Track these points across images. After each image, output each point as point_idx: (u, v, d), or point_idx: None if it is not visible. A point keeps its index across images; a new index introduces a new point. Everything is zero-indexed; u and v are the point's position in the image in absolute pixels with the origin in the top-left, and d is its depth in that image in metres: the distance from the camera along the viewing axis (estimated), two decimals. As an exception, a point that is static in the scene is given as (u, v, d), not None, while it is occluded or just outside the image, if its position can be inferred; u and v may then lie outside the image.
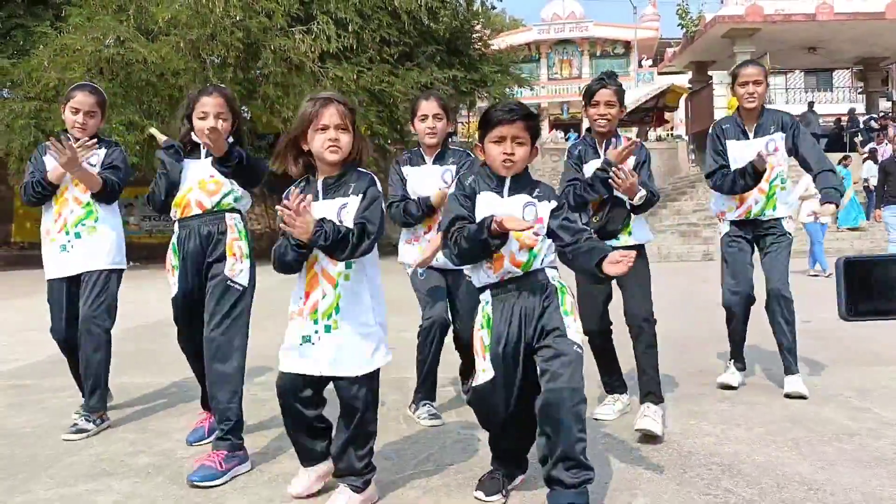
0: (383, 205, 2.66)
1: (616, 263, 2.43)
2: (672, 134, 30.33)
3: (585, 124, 28.09)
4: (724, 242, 4.39)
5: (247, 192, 3.42)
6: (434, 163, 3.83)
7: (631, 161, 3.57)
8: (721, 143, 4.31)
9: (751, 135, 4.25)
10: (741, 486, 2.79)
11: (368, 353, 2.61)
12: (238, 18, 14.35)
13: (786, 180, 4.30)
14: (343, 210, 2.57)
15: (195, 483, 2.87)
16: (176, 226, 3.36)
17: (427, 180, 3.77)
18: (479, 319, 2.68)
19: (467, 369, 3.93)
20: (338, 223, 2.49)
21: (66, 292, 3.76)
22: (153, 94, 14.86)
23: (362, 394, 2.59)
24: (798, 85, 33.91)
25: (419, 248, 3.78)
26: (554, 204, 2.64)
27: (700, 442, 3.35)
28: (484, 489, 2.70)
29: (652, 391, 3.49)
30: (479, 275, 2.65)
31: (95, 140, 3.72)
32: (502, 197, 2.61)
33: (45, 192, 3.71)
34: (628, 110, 20.21)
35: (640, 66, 36.97)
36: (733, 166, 4.22)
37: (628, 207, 3.60)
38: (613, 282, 3.45)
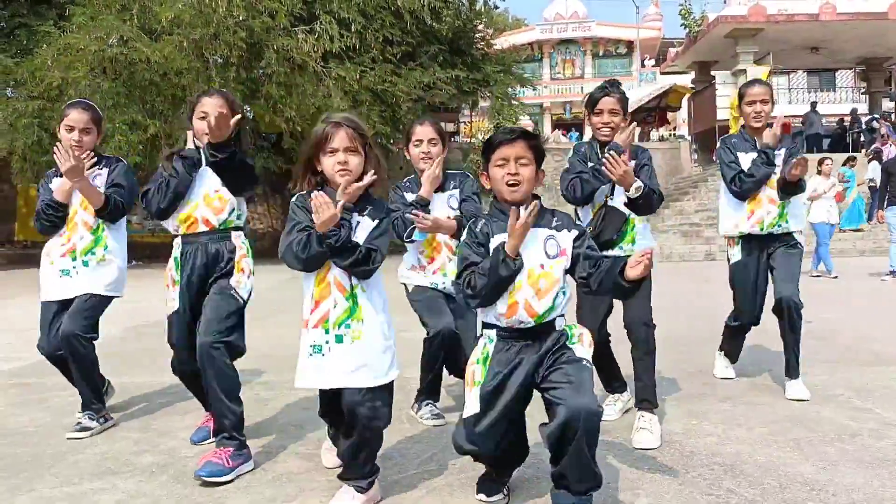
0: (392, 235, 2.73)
1: (637, 265, 2.40)
2: (674, 134, 30.31)
3: (588, 123, 28.07)
4: (734, 270, 4.40)
5: (244, 204, 3.41)
6: (435, 190, 3.76)
7: (631, 163, 3.53)
8: (733, 154, 4.32)
9: (759, 146, 4.27)
10: (743, 487, 2.79)
11: (386, 365, 2.63)
12: (241, 18, 14.38)
13: (795, 199, 4.32)
14: (358, 226, 2.62)
15: (203, 478, 2.88)
16: (179, 240, 3.32)
17: (433, 210, 3.69)
18: (476, 352, 2.61)
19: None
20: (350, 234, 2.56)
21: (59, 313, 3.71)
22: (156, 94, 14.90)
23: (378, 405, 2.58)
24: (801, 85, 33.91)
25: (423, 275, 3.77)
26: (575, 233, 2.59)
27: (702, 442, 3.35)
28: (485, 490, 2.70)
29: (647, 398, 3.49)
30: (489, 315, 2.58)
31: (94, 157, 3.70)
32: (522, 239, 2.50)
33: (58, 213, 3.68)
34: (631, 110, 20.25)
35: (642, 65, 36.97)
36: None
37: (627, 212, 3.54)
38: (616, 303, 3.50)
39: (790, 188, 4.16)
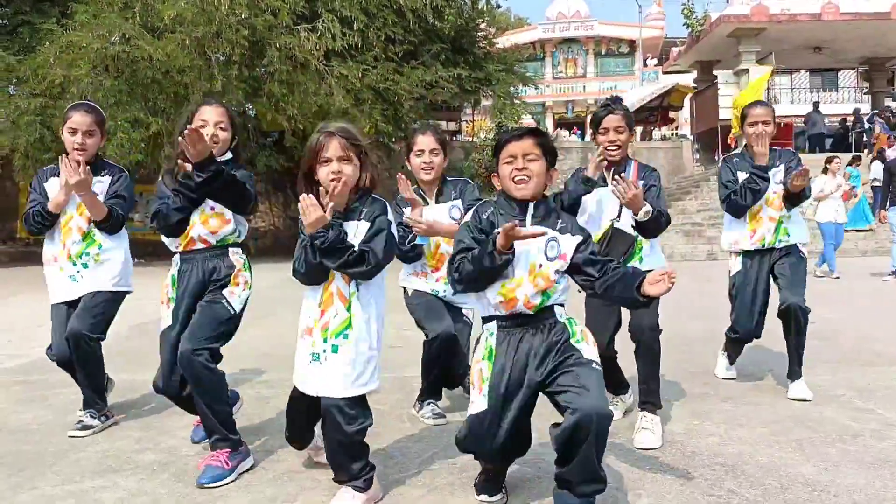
0: (394, 230, 2.69)
1: (657, 283, 2.40)
2: (677, 133, 30.26)
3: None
4: (734, 282, 4.39)
5: (243, 220, 3.34)
6: (437, 201, 3.75)
7: (640, 183, 3.47)
8: (734, 174, 4.32)
9: None
10: (745, 487, 2.79)
11: (367, 375, 2.63)
12: (243, 16, 14.37)
13: (796, 214, 4.33)
14: (357, 230, 2.63)
15: (205, 485, 2.86)
16: (177, 258, 3.28)
17: (434, 214, 3.67)
18: (480, 350, 2.62)
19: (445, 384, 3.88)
20: (348, 240, 2.56)
21: (70, 314, 3.70)
22: (158, 92, 14.89)
23: (353, 412, 2.58)
24: (803, 85, 33.85)
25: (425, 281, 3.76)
26: (579, 238, 2.58)
27: (704, 442, 3.35)
28: (486, 491, 2.70)
29: (650, 400, 3.48)
30: (486, 304, 2.59)
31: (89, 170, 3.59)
32: (525, 227, 2.53)
33: (46, 221, 3.66)
34: (633, 109, 19.99)
35: (644, 65, 36.92)
36: None
37: (634, 234, 3.49)
38: (623, 309, 3.43)
39: (794, 199, 4.17)
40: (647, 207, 3.33)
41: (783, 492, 2.74)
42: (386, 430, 3.57)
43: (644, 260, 3.57)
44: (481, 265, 2.45)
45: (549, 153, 2.59)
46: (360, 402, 2.63)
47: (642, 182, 3.49)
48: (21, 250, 19.14)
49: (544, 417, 2.70)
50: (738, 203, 4.25)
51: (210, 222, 3.20)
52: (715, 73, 23.48)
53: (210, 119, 3.19)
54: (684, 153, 23.85)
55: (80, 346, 3.58)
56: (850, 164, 15.06)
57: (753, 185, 4.17)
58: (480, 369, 2.57)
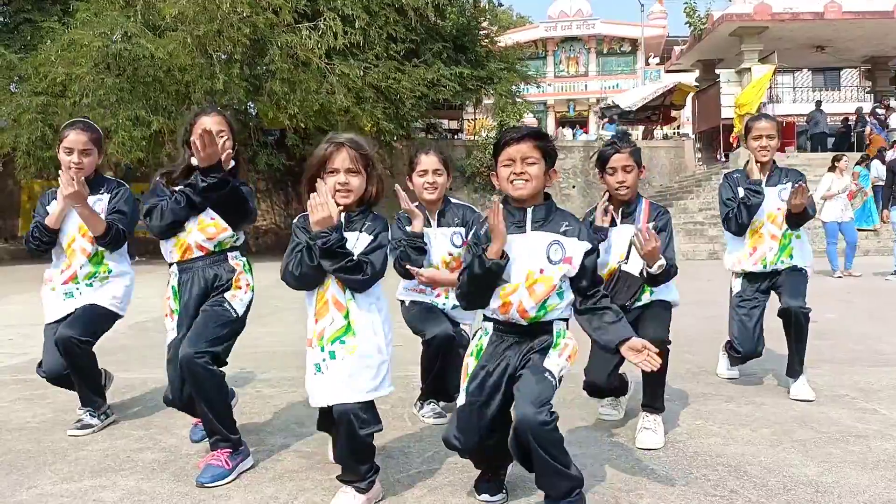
0: (388, 249, 2.70)
1: (637, 353, 2.45)
2: (679, 132, 30.25)
3: (592, 122, 27.86)
4: (734, 302, 4.35)
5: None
6: (438, 222, 3.70)
7: (650, 225, 3.42)
8: (734, 191, 4.29)
9: (763, 183, 4.24)
10: (747, 488, 2.77)
11: (378, 380, 2.61)
12: (245, 14, 14.38)
13: (803, 236, 4.30)
14: (357, 242, 2.62)
15: (205, 485, 2.85)
16: (175, 268, 3.23)
17: (434, 245, 3.64)
18: (471, 346, 2.67)
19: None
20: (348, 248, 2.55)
21: None
22: (160, 90, 14.90)
23: (366, 417, 2.57)
24: (806, 84, 33.80)
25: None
26: (588, 246, 2.55)
27: (706, 442, 3.33)
28: (487, 490, 2.69)
29: (653, 404, 3.45)
30: (487, 308, 2.61)
31: (84, 181, 3.50)
32: (524, 232, 2.53)
33: (45, 237, 3.60)
34: (635, 108, 19.91)
35: (646, 63, 36.89)
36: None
37: (642, 276, 3.39)
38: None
39: (797, 218, 4.12)
40: (662, 261, 3.25)
41: (786, 492, 2.72)
42: (387, 429, 3.53)
43: (654, 292, 3.50)
44: (473, 273, 2.46)
45: (549, 155, 2.56)
46: (371, 408, 2.62)
47: (652, 224, 3.43)
48: (23, 248, 19.11)
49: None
50: (735, 221, 4.23)
51: (208, 229, 3.17)
52: (717, 71, 23.46)
53: (211, 129, 3.13)
54: (686, 152, 23.83)
55: (71, 350, 3.48)
56: (859, 164, 15.02)
57: (745, 201, 4.15)
58: (467, 364, 2.62)
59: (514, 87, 21.15)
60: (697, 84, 24.67)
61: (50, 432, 3.64)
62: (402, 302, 3.84)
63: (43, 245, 3.64)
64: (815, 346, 4.24)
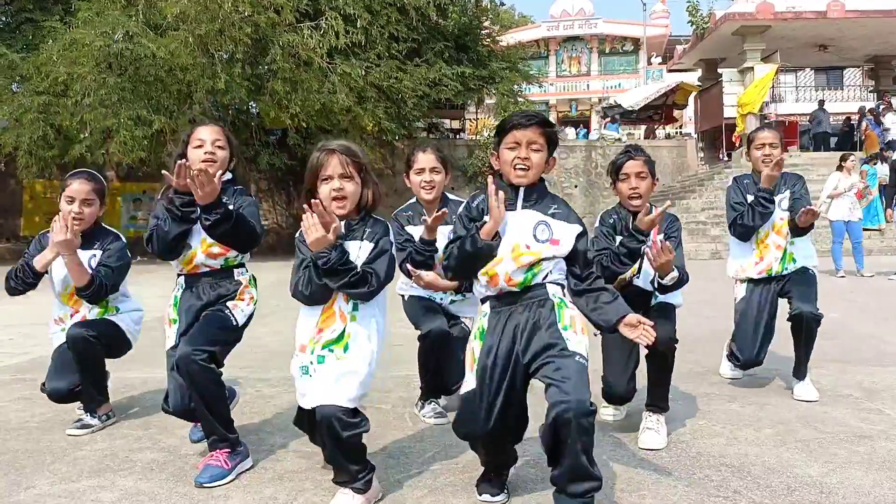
0: (394, 251, 2.67)
1: (633, 328, 2.47)
2: (681, 132, 30.22)
3: (594, 121, 27.86)
4: (738, 308, 4.31)
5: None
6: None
7: (659, 238, 3.38)
8: (743, 196, 4.25)
9: None
10: (751, 488, 2.75)
11: (360, 392, 2.58)
12: (247, 14, 14.38)
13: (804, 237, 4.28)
14: (360, 251, 2.61)
15: (204, 485, 2.83)
16: (181, 279, 3.24)
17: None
18: (474, 330, 2.67)
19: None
20: (351, 260, 2.52)
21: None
22: (161, 90, 14.90)
23: (350, 419, 2.53)
24: (808, 83, 33.76)
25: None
26: (579, 228, 2.57)
27: (709, 443, 3.31)
28: (488, 490, 2.67)
29: (657, 403, 3.43)
30: (478, 287, 2.64)
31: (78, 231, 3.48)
32: (515, 209, 2.56)
33: (28, 279, 3.55)
34: (638, 107, 19.89)
35: (649, 63, 36.87)
36: None
37: (653, 286, 3.38)
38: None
39: (800, 230, 4.12)
40: (675, 273, 3.25)
41: (790, 493, 2.70)
42: (387, 429, 3.54)
43: (658, 296, 3.47)
44: (464, 250, 2.48)
45: (552, 143, 2.59)
46: (355, 410, 2.59)
47: (663, 235, 3.40)
48: (24, 248, 19.14)
49: (541, 417, 2.66)
50: (746, 224, 4.17)
51: (211, 250, 3.15)
52: (719, 71, 23.42)
53: (207, 139, 3.12)
54: (688, 152, 23.81)
55: (81, 345, 3.49)
56: (867, 163, 14.98)
57: (761, 208, 4.10)
58: (472, 349, 2.61)
59: (516, 86, 21.13)
60: (700, 83, 24.63)
61: (49, 432, 3.62)
62: (402, 296, 3.82)
63: (24, 286, 3.58)
64: (819, 345, 4.20)
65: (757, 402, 4.02)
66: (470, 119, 27.06)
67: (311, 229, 2.46)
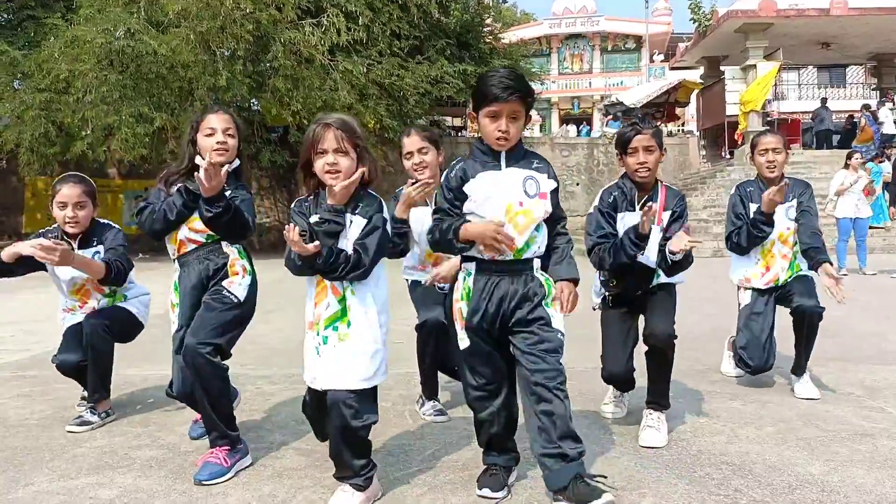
0: (389, 228, 2.69)
1: (556, 298, 2.64)
2: (683, 129, 30.16)
3: (596, 119, 27.83)
4: (744, 314, 4.26)
5: None
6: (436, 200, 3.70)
7: (665, 215, 3.38)
8: (744, 206, 4.23)
9: None
10: (752, 487, 2.74)
11: (372, 369, 2.58)
12: (248, 11, 14.35)
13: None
14: (351, 225, 2.60)
15: (203, 482, 2.82)
16: (176, 263, 3.27)
17: (429, 218, 3.64)
18: (458, 288, 2.72)
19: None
20: (335, 249, 2.53)
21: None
22: (163, 87, 14.89)
23: (360, 407, 2.53)
24: (811, 81, 33.66)
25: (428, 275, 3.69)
26: (554, 184, 2.69)
27: (710, 441, 3.30)
28: (489, 486, 2.66)
29: (657, 400, 3.40)
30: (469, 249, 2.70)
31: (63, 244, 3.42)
32: (500, 169, 2.63)
33: (1, 266, 3.53)
34: (640, 105, 19.81)
35: (651, 60, 36.81)
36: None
37: (654, 266, 3.36)
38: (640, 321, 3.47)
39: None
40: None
41: (791, 492, 2.69)
42: (387, 427, 3.53)
43: (660, 276, 3.44)
44: (441, 238, 2.63)
45: (530, 105, 2.65)
46: (367, 398, 2.58)
47: (670, 212, 3.38)
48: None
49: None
50: (740, 244, 4.18)
51: (194, 224, 3.16)
52: (722, 68, 23.35)
53: (218, 127, 3.14)
54: (690, 149, 23.78)
55: (96, 339, 3.60)
56: (871, 160, 14.95)
57: (757, 231, 4.07)
58: (460, 308, 2.69)
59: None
60: (702, 81, 24.57)
61: (48, 429, 3.61)
62: (407, 280, 3.85)
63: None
64: (821, 343, 4.19)
65: (758, 400, 4.01)
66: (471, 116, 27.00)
67: (297, 247, 2.44)
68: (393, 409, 3.86)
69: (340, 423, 2.53)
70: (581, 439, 2.56)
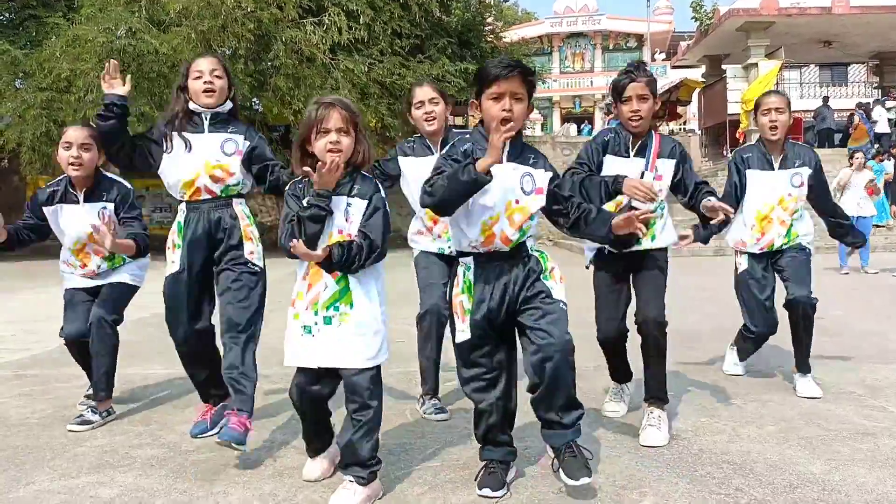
0: (387, 208, 2.69)
1: (623, 226, 2.67)
2: (685, 128, 30.16)
3: (597, 118, 27.81)
4: (741, 280, 4.25)
5: (249, 175, 3.42)
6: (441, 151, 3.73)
7: (670, 164, 3.40)
8: (739, 172, 4.20)
9: (776, 165, 4.14)
10: (753, 486, 2.73)
11: (374, 349, 2.62)
12: (249, 9, 14.33)
13: (803, 212, 4.22)
14: (349, 209, 2.62)
15: (227, 443, 2.94)
16: (183, 205, 3.37)
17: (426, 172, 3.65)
18: (458, 283, 2.74)
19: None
20: (345, 243, 2.53)
21: (86, 301, 3.80)
22: (164, 86, 14.84)
23: (367, 384, 2.59)
24: (813, 79, 33.61)
25: (430, 238, 3.71)
26: (550, 173, 2.71)
27: (711, 440, 3.29)
28: (489, 485, 2.65)
29: (656, 395, 3.40)
30: (462, 240, 2.69)
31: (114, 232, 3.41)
32: (501, 163, 2.60)
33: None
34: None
35: (652, 59, 36.74)
36: (758, 196, 4.16)
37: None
38: (631, 285, 3.51)
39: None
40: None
41: (792, 491, 2.68)
42: (387, 425, 3.51)
43: (656, 237, 3.44)
44: (457, 180, 2.47)
45: (532, 91, 2.66)
46: (374, 378, 2.62)
47: (667, 158, 3.40)
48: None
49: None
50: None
51: (215, 172, 3.28)
52: (723, 67, 23.35)
53: (205, 69, 3.27)
54: (692, 148, 23.75)
55: (103, 329, 3.64)
56: (872, 159, 14.93)
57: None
58: (461, 302, 2.71)
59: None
60: (704, 80, 24.56)
61: (49, 428, 3.61)
62: (413, 250, 3.85)
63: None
64: (823, 342, 4.19)
65: (759, 398, 4.00)
66: (473, 115, 26.98)
67: (306, 258, 2.52)
68: (393, 407, 3.85)
69: (360, 405, 2.58)
70: (581, 405, 2.70)
